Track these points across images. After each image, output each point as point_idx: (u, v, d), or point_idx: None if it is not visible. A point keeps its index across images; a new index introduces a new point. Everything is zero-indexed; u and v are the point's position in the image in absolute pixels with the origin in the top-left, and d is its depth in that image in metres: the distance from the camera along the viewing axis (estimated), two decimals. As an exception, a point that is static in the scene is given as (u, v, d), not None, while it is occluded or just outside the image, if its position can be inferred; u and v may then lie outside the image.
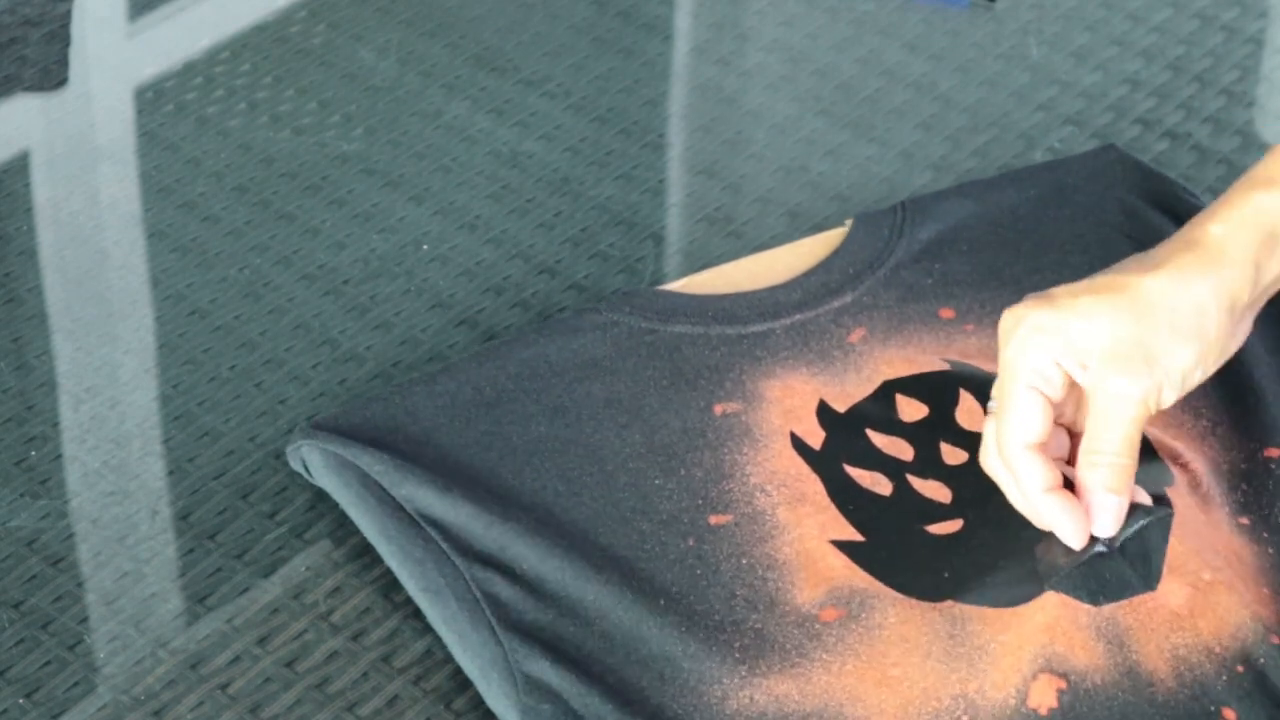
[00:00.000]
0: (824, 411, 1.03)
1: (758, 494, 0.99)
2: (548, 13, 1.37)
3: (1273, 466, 1.01)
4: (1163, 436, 1.02)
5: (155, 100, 1.29)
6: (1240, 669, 0.91)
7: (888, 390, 1.04)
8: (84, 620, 0.98)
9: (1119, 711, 0.90)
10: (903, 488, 0.99)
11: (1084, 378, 0.92)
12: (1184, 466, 1.00)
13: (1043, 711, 0.90)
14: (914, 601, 0.94)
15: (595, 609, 0.94)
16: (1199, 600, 0.93)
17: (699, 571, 0.96)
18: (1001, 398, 0.93)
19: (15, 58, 1.29)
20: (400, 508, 0.98)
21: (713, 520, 0.98)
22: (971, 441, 1.00)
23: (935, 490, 0.99)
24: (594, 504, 0.98)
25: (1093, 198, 1.15)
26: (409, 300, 1.16)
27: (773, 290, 1.09)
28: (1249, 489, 1.00)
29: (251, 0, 1.36)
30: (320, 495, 1.04)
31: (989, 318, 1.07)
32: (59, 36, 1.31)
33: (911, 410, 1.03)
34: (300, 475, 1.04)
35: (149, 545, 1.03)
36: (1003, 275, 1.10)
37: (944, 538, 0.97)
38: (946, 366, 1.05)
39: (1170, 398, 0.92)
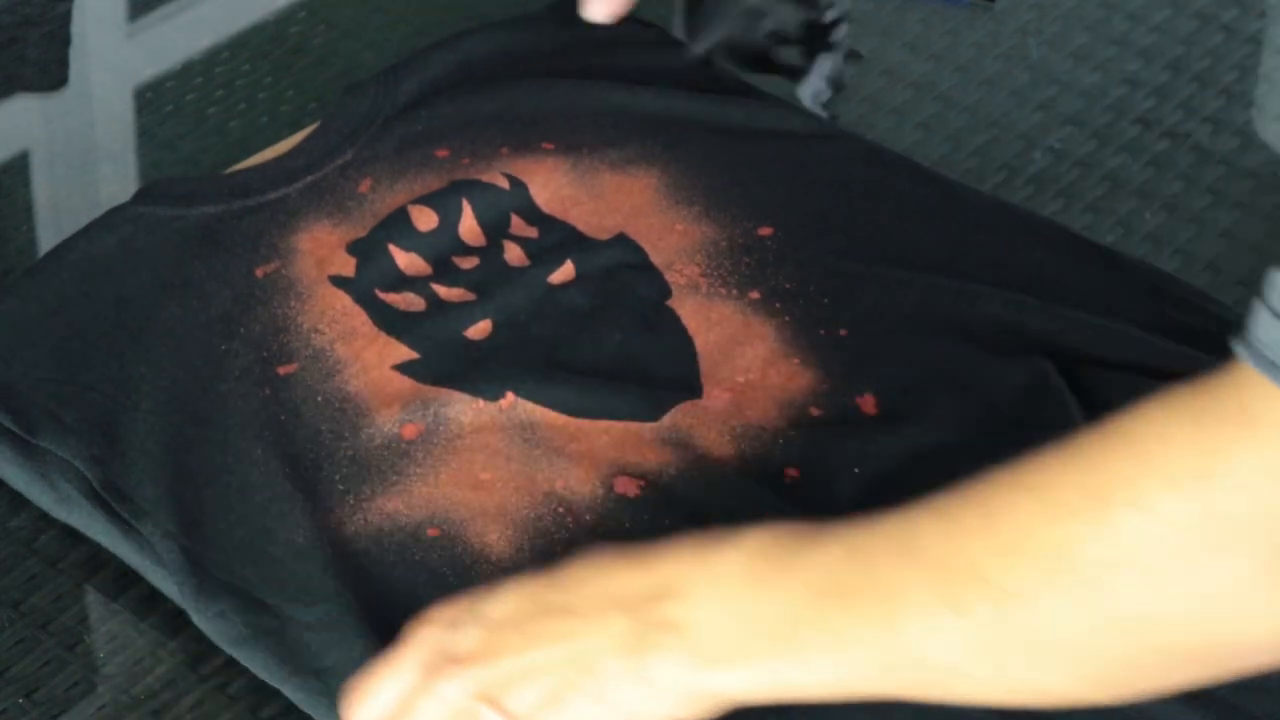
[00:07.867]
0: (352, 244, 1.10)
1: (313, 335, 1.06)
2: (548, 13, 1.37)
3: (769, 243, 1.11)
4: (660, 245, 1.11)
5: (155, 100, 1.29)
6: (793, 433, 1.01)
7: (403, 209, 1.12)
8: (84, 620, 0.98)
9: (698, 487, 0.99)
10: (433, 298, 1.08)
11: None
12: (679, 272, 1.10)
13: (631, 494, 0.98)
14: (481, 404, 1.02)
15: (203, 476, 0.99)
16: (740, 398, 1.03)
17: (282, 417, 1.02)
18: None
19: (15, 58, 1.29)
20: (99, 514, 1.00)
21: (280, 371, 1.04)
22: (478, 249, 1.10)
23: (460, 295, 1.08)
24: (175, 373, 1.03)
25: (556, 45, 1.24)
26: (409, 300, 1.16)
27: (279, 160, 1.16)
28: (752, 262, 1.10)
29: (251, 0, 1.36)
30: (320, 495, 1.04)
31: (480, 150, 1.16)
32: (59, 36, 1.31)
33: (424, 219, 1.12)
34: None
35: (149, 545, 1.02)
36: (484, 112, 1.18)
37: (483, 341, 1.06)
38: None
39: None
